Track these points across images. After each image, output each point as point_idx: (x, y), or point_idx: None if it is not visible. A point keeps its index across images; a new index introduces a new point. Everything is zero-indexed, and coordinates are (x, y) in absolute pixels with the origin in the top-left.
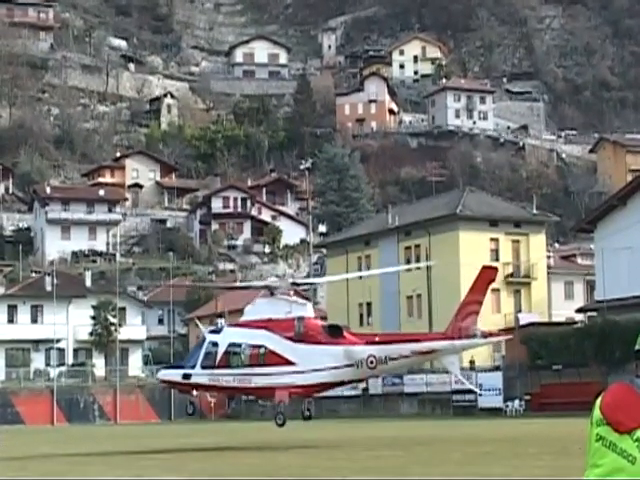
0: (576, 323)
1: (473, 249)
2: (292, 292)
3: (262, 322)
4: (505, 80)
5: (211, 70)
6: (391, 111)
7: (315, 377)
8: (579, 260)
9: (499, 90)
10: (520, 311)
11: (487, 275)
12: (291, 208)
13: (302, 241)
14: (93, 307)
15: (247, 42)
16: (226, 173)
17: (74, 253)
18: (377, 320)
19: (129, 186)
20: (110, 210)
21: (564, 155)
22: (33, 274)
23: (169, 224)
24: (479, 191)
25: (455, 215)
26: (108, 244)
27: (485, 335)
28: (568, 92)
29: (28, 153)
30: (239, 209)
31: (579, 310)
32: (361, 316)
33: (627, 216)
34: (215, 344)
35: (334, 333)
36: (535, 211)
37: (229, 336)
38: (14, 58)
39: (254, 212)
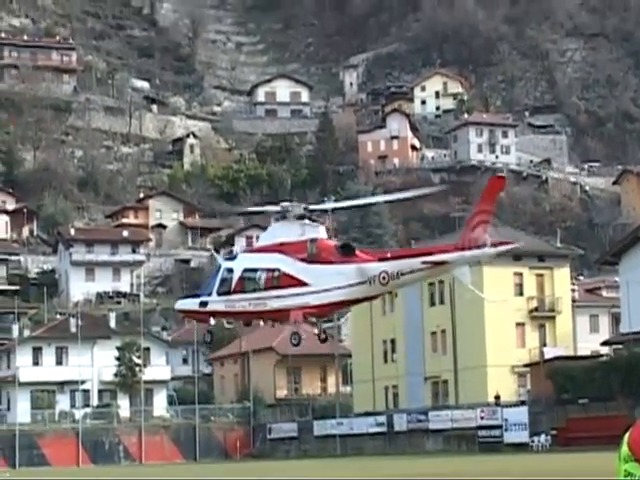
0: (602, 356)
1: (497, 284)
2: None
3: (275, 246)
4: (527, 114)
5: (233, 109)
6: (413, 147)
7: (329, 296)
8: (604, 293)
9: (521, 124)
10: (545, 345)
11: (497, 184)
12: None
13: None
14: (117, 348)
15: (269, 81)
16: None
17: (98, 294)
18: (402, 356)
19: (152, 227)
20: (134, 251)
21: (587, 188)
22: (58, 316)
23: (193, 264)
24: (502, 225)
25: None
26: (132, 285)
27: (495, 244)
28: (591, 124)
29: (52, 195)
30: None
31: (604, 343)
32: (385, 353)
33: None
34: (230, 270)
35: (346, 252)
36: (559, 244)
37: (243, 262)
38: (38, 101)
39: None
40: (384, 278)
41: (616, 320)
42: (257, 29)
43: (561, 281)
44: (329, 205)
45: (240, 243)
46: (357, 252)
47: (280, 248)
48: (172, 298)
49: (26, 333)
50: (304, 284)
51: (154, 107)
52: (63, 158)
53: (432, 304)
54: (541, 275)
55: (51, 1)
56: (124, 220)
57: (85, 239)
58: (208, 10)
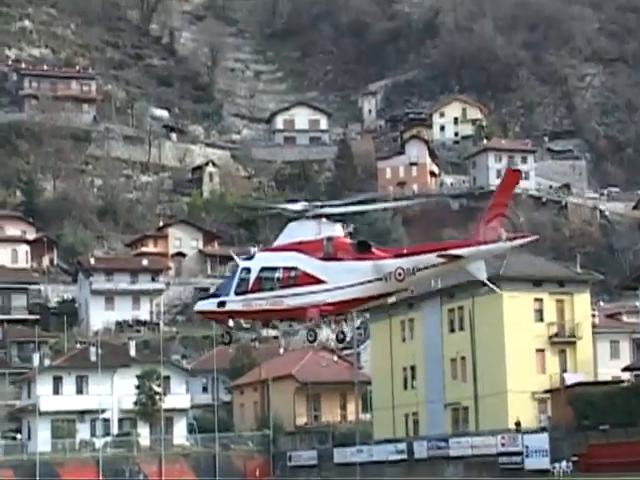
0: (623, 382)
1: (517, 310)
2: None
3: (293, 245)
4: (546, 139)
5: (252, 137)
6: (432, 173)
7: (345, 293)
8: (624, 318)
9: (540, 149)
10: (566, 371)
11: (513, 178)
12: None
13: None
14: (137, 377)
15: (287, 109)
16: (268, 240)
17: (118, 323)
18: (421, 383)
19: (172, 255)
20: (153, 279)
21: (607, 213)
22: (78, 345)
23: (212, 292)
24: (522, 251)
25: (498, 276)
26: (152, 313)
27: (510, 238)
28: (610, 149)
29: (72, 225)
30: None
31: (625, 369)
32: (405, 380)
33: None
34: (248, 270)
35: (363, 249)
36: (579, 270)
37: (261, 261)
38: (58, 131)
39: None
40: (400, 274)
41: (637, 345)
42: (276, 57)
43: (581, 307)
44: (339, 210)
45: None
46: (373, 249)
47: (297, 247)
48: (192, 326)
49: (46, 362)
50: (321, 282)
51: (173, 136)
52: (83, 187)
53: (452, 330)
54: (561, 301)
55: (70, 31)
56: (143, 249)
57: (105, 268)
58: (227, 39)
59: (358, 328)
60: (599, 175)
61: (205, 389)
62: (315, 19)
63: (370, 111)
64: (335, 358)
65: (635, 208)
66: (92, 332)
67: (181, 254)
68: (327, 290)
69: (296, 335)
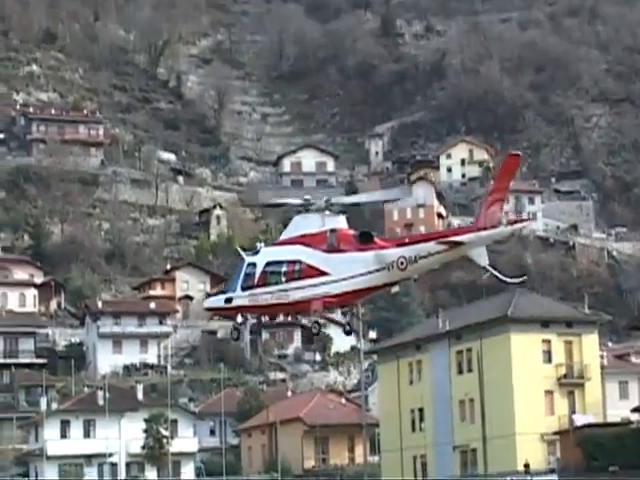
0: (632, 423)
1: (525, 351)
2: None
3: (297, 238)
4: (553, 180)
5: (259, 180)
6: (439, 215)
7: (348, 284)
8: (633, 359)
9: (547, 190)
10: (574, 412)
11: (512, 162)
12: (341, 315)
13: (353, 348)
14: (145, 420)
15: (294, 151)
16: None
17: (126, 366)
18: (430, 425)
19: (179, 298)
20: (161, 323)
21: (615, 253)
22: (85, 389)
23: (220, 335)
24: (530, 292)
25: (506, 317)
26: (159, 356)
27: (510, 222)
28: (617, 189)
29: (79, 268)
30: (289, 318)
31: (635, 410)
32: (413, 421)
33: None
34: (254, 265)
35: (365, 240)
36: (587, 310)
37: (266, 255)
38: (65, 175)
39: (304, 321)
40: (402, 263)
41: None
42: (282, 100)
43: (590, 347)
44: (350, 198)
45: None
46: (375, 239)
47: (301, 240)
48: (199, 369)
49: (54, 406)
50: (324, 274)
51: (180, 179)
52: (90, 231)
53: (460, 372)
54: (569, 342)
55: (78, 75)
56: (151, 292)
57: (112, 311)
58: (234, 82)
59: (366, 370)
60: (606, 215)
61: (213, 432)
62: (322, 62)
63: (377, 153)
64: (343, 400)
65: None
66: (100, 376)
67: (188, 297)
68: (331, 282)
69: (304, 378)
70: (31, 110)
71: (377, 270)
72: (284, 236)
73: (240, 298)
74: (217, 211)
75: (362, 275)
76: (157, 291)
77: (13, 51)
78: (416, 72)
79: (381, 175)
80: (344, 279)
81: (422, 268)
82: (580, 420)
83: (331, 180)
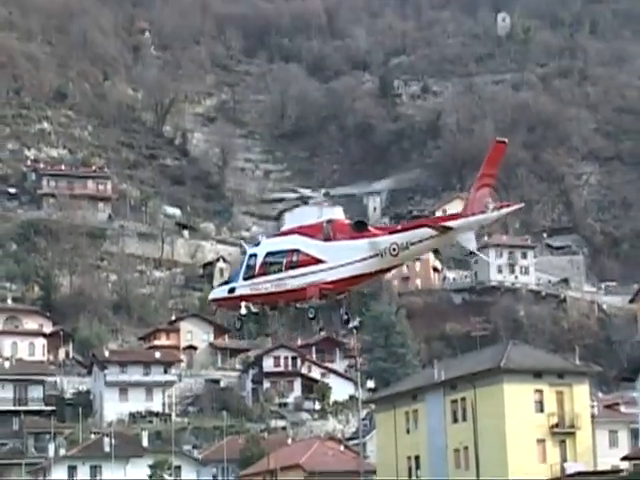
0: (622, 471)
1: (518, 401)
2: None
3: (295, 229)
4: (545, 235)
5: (261, 234)
6: (435, 269)
7: (344, 271)
8: (622, 409)
9: (540, 245)
10: (566, 461)
11: (499, 148)
12: (340, 365)
13: (351, 397)
14: (150, 466)
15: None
16: (276, 333)
17: (131, 414)
18: (425, 473)
19: (184, 348)
20: (166, 372)
21: (605, 306)
22: (92, 435)
23: (222, 384)
24: (522, 344)
25: (499, 368)
26: (164, 404)
27: (497, 207)
28: (607, 245)
29: (87, 319)
30: (289, 368)
31: (624, 458)
32: (410, 469)
33: None
34: (255, 255)
35: (359, 228)
36: (578, 362)
37: (266, 246)
38: (74, 229)
39: (304, 370)
40: (394, 249)
41: (635, 435)
42: (284, 157)
43: (580, 397)
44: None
45: (268, 362)
46: (369, 227)
47: (299, 230)
48: (203, 417)
49: (62, 452)
50: (321, 261)
51: (185, 233)
52: (98, 283)
53: (455, 421)
54: (561, 392)
55: (87, 133)
56: (156, 342)
57: (119, 360)
58: (237, 140)
59: (364, 419)
60: (596, 269)
61: (215, 479)
62: (322, 121)
63: (375, 209)
64: (341, 448)
65: (632, 302)
66: (106, 423)
67: (192, 347)
68: (327, 269)
69: (304, 426)
70: (42, 166)
71: (371, 257)
72: (284, 228)
73: (242, 287)
74: (220, 264)
75: (357, 262)
76: (162, 341)
77: (25, 109)
78: (413, 131)
79: None
80: (340, 266)
81: (413, 254)
82: (571, 468)
83: None
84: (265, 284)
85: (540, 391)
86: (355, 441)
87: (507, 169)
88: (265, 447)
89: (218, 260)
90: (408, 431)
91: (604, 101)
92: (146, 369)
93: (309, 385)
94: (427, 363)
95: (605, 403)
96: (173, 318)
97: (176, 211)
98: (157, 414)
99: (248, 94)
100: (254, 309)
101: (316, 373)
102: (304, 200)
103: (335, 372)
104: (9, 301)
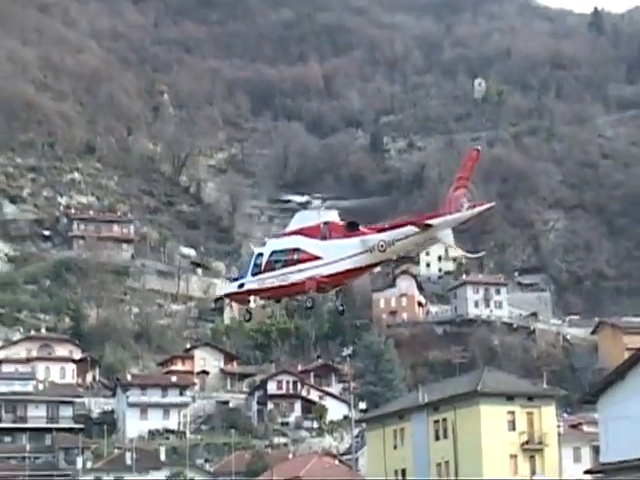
0: None
1: (493, 421)
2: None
3: (296, 230)
4: (517, 274)
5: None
6: (419, 303)
7: (338, 266)
8: (585, 428)
9: (512, 283)
10: (535, 474)
11: (473, 155)
12: (335, 389)
13: (345, 417)
14: (167, 478)
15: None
16: (280, 360)
17: (150, 431)
18: None
19: (197, 373)
20: (181, 394)
21: (569, 337)
22: (116, 450)
23: (231, 405)
24: (496, 370)
25: (476, 392)
26: (179, 423)
27: (471, 207)
28: (571, 283)
29: (112, 346)
30: (291, 391)
31: (587, 472)
32: None
33: (626, 389)
34: (261, 254)
35: (352, 228)
36: (545, 386)
37: (271, 246)
38: (101, 266)
39: (304, 393)
40: (382, 246)
41: (596, 451)
42: (287, 205)
43: (548, 418)
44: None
45: (271, 386)
46: (361, 228)
47: (300, 231)
48: (214, 435)
49: (88, 465)
50: (318, 258)
51: (199, 271)
52: (121, 314)
53: (437, 438)
54: (531, 413)
55: (113, 182)
56: (173, 367)
57: (139, 384)
58: (245, 189)
59: (357, 436)
60: (562, 305)
61: None
62: (320, 172)
63: None
64: (337, 462)
65: (593, 333)
66: (128, 439)
67: (205, 372)
68: (324, 264)
69: (303, 442)
70: (73, 211)
71: (361, 253)
72: (287, 229)
73: (250, 283)
74: None
75: (349, 257)
76: (178, 367)
77: (58, 161)
78: (400, 182)
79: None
80: (335, 261)
81: (399, 249)
82: None
83: None
84: (270, 279)
85: (512, 412)
86: (348, 456)
87: (483, 216)
88: (269, 461)
89: None
90: (395, 447)
91: (568, 156)
92: (164, 391)
93: (308, 406)
94: (412, 387)
95: (569, 423)
96: (188, 346)
97: (191, 251)
98: (173, 431)
99: (255, 148)
100: (252, 311)
101: (314, 396)
102: (304, 205)
103: (331, 395)
104: (43, 330)
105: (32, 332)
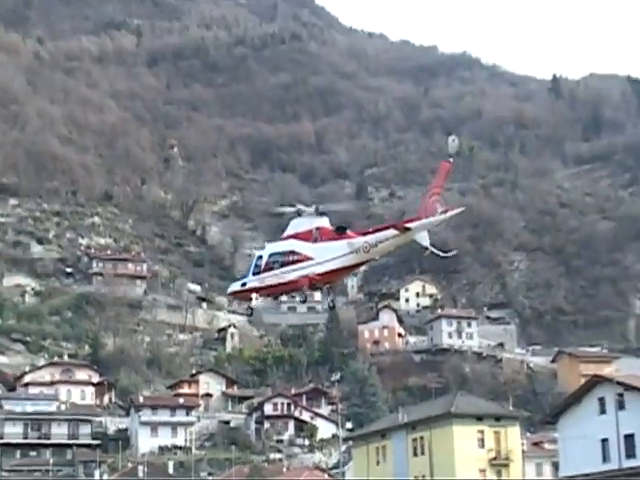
0: None
1: (464, 439)
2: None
3: (291, 235)
4: (485, 309)
5: (264, 306)
6: (399, 334)
7: (328, 265)
8: (546, 446)
9: (481, 316)
10: None
11: (446, 167)
12: (325, 410)
13: (333, 435)
14: None
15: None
16: (275, 384)
17: (160, 447)
18: None
19: (202, 395)
20: (187, 414)
21: (532, 365)
22: (129, 464)
23: (232, 424)
24: (467, 394)
25: (450, 413)
26: (186, 440)
27: (444, 211)
28: (533, 317)
29: (126, 372)
30: (285, 412)
31: None
32: None
33: (581, 411)
34: (261, 257)
35: (340, 232)
36: (511, 408)
37: (270, 249)
38: (116, 300)
39: (297, 414)
40: (366, 247)
41: (556, 467)
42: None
43: (513, 436)
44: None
45: (268, 407)
46: (348, 231)
47: (295, 236)
48: (216, 450)
49: (105, 477)
50: (311, 259)
51: (204, 305)
52: (135, 343)
53: (415, 455)
54: (498, 432)
55: (128, 226)
56: (180, 390)
57: (150, 405)
58: (245, 232)
59: (344, 452)
60: (525, 336)
61: None
62: None
63: (353, 287)
64: (326, 476)
65: (553, 362)
66: (140, 454)
67: (209, 395)
68: (316, 264)
69: (296, 458)
70: (92, 251)
71: (348, 253)
72: (285, 234)
73: (252, 282)
74: (231, 330)
75: (338, 258)
76: (185, 390)
77: (80, 207)
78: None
79: (356, 304)
80: (326, 261)
81: (381, 250)
82: None
83: (318, 307)
84: (269, 278)
85: (481, 431)
86: (336, 470)
87: (456, 257)
88: (265, 475)
89: (229, 326)
90: (378, 463)
91: (530, 205)
92: (172, 412)
93: (300, 426)
94: (393, 409)
95: (532, 441)
96: (194, 372)
97: (197, 287)
98: (180, 447)
99: (254, 197)
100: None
101: (306, 416)
102: (299, 213)
103: (321, 415)
104: (65, 357)
105: (55, 358)
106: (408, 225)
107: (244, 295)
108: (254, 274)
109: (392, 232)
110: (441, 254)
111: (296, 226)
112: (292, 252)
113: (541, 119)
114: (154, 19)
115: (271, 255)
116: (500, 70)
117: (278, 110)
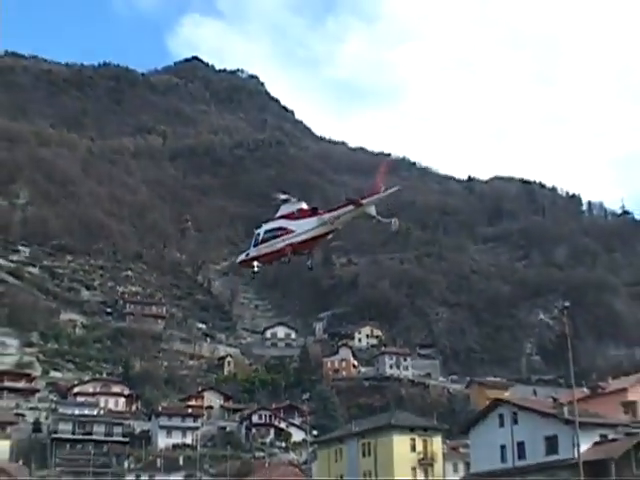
0: None
1: (400, 444)
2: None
3: (280, 215)
4: (417, 348)
5: (253, 342)
6: (354, 365)
7: (304, 235)
8: (461, 450)
9: (414, 353)
10: None
11: (385, 167)
12: (297, 421)
13: (303, 440)
14: (184, 477)
15: (273, 326)
16: (260, 400)
17: (173, 445)
18: None
19: (205, 407)
20: (194, 421)
21: (451, 390)
22: (150, 457)
23: (228, 429)
24: (403, 411)
25: (390, 425)
26: (193, 440)
27: (384, 191)
28: (453, 354)
29: (150, 388)
30: (268, 421)
31: (462, 479)
32: None
33: (487, 425)
34: (259, 234)
35: (314, 211)
36: (435, 422)
37: (265, 227)
38: (143, 334)
39: (276, 423)
40: (332, 220)
41: (467, 465)
42: (268, 297)
43: (436, 443)
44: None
45: (255, 418)
46: (319, 211)
47: (282, 216)
48: (216, 449)
49: (132, 466)
50: (293, 232)
51: (208, 339)
52: (156, 366)
53: (364, 456)
54: (425, 440)
55: (153, 278)
56: (189, 403)
57: (167, 413)
58: (240, 286)
59: (311, 453)
60: (446, 369)
61: None
62: (290, 277)
63: (319, 328)
64: (297, 470)
65: (467, 387)
66: (158, 450)
67: (210, 407)
68: (296, 235)
69: (275, 456)
70: (126, 296)
71: (320, 226)
72: (275, 216)
73: (253, 252)
74: (228, 359)
75: (312, 229)
76: (193, 402)
77: (118, 262)
78: (342, 285)
79: (321, 342)
80: (303, 232)
81: (344, 221)
82: None
83: (293, 344)
84: (265, 248)
85: (413, 439)
86: (305, 466)
87: (396, 309)
88: (252, 468)
89: (227, 356)
90: (336, 461)
91: (451, 271)
92: (183, 419)
93: (279, 432)
94: (348, 421)
95: (451, 446)
96: (200, 389)
97: (203, 326)
98: (189, 446)
99: None
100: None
101: (283, 425)
102: (284, 200)
103: (294, 425)
104: (104, 374)
105: (97, 375)
106: (362, 201)
107: (248, 263)
108: (254, 246)
109: (350, 207)
110: (384, 220)
111: (283, 209)
112: (280, 228)
113: (459, 208)
114: (175, 126)
115: (266, 232)
116: (430, 171)
117: (266, 195)
